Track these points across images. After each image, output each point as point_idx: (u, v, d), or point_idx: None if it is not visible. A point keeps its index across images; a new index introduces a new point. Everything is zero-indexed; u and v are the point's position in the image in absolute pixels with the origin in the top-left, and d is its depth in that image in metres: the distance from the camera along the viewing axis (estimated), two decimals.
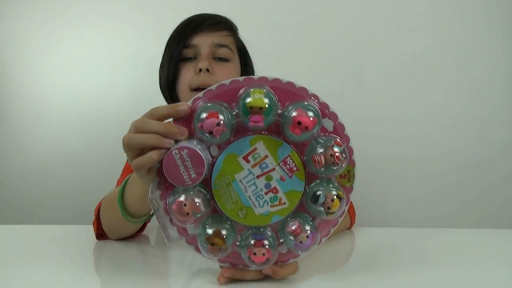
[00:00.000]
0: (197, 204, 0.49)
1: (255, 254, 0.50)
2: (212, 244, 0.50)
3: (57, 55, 1.54)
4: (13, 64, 1.55)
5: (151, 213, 0.71)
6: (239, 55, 0.95)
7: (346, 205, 0.51)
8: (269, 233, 0.51)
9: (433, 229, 0.93)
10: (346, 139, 0.51)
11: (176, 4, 1.47)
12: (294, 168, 0.50)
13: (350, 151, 0.51)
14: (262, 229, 0.52)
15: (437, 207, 1.47)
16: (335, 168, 0.48)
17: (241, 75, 0.93)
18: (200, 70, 0.85)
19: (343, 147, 0.48)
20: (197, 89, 0.85)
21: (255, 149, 0.49)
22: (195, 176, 0.47)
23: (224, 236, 0.50)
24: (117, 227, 0.76)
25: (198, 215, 0.49)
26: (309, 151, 0.49)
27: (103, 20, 1.53)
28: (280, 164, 0.50)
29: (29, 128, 1.54)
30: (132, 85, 1.51)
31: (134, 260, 0.68)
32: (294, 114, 0.47)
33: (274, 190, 0.50)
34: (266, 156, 0.49)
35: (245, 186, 0.50)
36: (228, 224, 0.51)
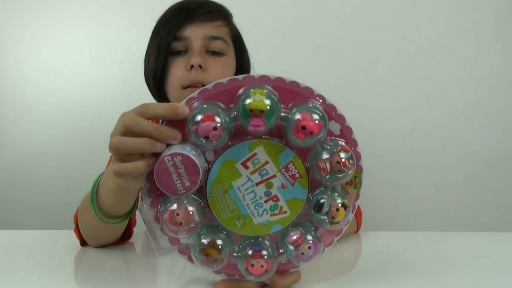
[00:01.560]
0: (191, 213, 0.45)
1: (253, 265, 0.47)
2: (207, 255, 0.46)
3: (39, 48, 1.42)
4: None
5: (127, 212, 0.64)
6: (234, 45, 0.87)
7: (351, 214, 0.48)
8: (268, 243, 0.48)
9: (446, 233, 0.86)
10: (353, 143, 0.47)
11: None
12: (297, 175, 0.46)
13: (358, 156, 0.47)
14: (260, 239, 0.48)
15: (450, 207, 1.40)
16: (341, 175, 0.45)
17: (237, 67, 0.87)
18: (192, 66, 0.78)
19: (350, 152, 0.45)
20: (189, 87, 0.78)
21: (255, 154, 0.45)
22: (189, 184, 0.43)
23: (220, 247, 0.46)
24: (95, 232, 0.70)
25: (192, 225, 0.45)
26: (313, 156, 0.45)
27: (88, 10, 1.41)
28: (282, 171, 0.46)
29: (8, 126, 1.43)
30: (121, 80, 1.40)
31: (119, 270, 0.63)
32: (298, 117, 0.43)
33: (275, 198, 0.46)
34: (267, 162, 0.45)
35: (243, 194, 0.46)
36: (224, 234, 0.47)
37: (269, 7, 1.41)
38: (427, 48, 1.43)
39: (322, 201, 0.46)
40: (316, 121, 0.43)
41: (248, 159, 0.45)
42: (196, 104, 0.45)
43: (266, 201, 0.46)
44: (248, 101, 0.42)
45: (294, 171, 0.46)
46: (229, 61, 0.85)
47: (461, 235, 0.85)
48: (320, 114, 0.43)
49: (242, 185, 0.46)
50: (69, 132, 1.41)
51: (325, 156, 0.44)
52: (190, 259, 0.49)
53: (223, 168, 0.45)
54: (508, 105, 1.43)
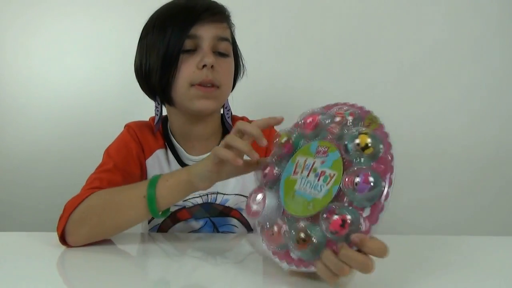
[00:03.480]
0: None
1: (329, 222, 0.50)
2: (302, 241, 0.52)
3: (36, 46, 1.41)
4: None
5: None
6: (233, 46, 0.90)
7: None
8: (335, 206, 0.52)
9: (446, 237, 0.83)
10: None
11: None
12: (326, 149, 0.58)
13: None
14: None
15: (450, 211, 1.41)
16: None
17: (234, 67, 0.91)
18: (204, 65, 0.80)
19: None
20: (199, 85, 0.81)
21: (297, 162, 0.61)
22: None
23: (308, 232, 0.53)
24: (116, 227, 0.73)
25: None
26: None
27: (87, 10, 1.43)
28: (315, 156, 0.59)
29: (4, 125, 1.38)
30: (119, 79, 1.37)
31: (108, 273, 0.61)
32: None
33: (323, 173, 0.56)
34: (305, 160, 0.60)
35: (304, 188, 0.58)
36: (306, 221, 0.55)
37: (273, 20, 1.44)
38: (428, 53, 1.43)
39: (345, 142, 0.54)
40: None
41: (295, 169, 0.61)
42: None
43: (318, 180, 0.56)
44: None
45: (323, 148, 0.58)
46: (232, 62, 0.89)
47: (461, 239, 0.82)
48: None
49: (300, 185, 0.59)
50: (67, 132, 1.42)
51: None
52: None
53: (286, 185, 0.61)
54: (508, 109, 1.44)
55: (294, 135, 0.63)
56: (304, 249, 0.52)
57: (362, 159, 0.52)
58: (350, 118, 0.57)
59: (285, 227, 0.57)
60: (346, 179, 0.51)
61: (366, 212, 0.50)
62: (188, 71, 0.82)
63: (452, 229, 1.40)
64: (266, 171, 0.64)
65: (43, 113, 1.42)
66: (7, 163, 1.42)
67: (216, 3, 0.87)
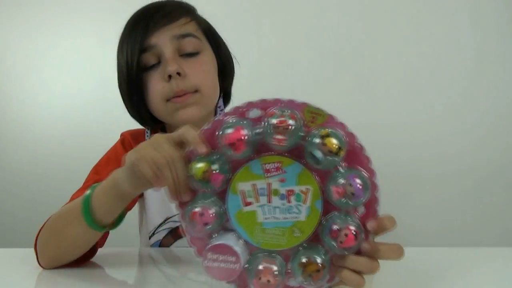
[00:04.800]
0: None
1: (346, 235, 0.47)
2: (311, 272, 0.48)
3: (43, 64, 1.49)
4: None
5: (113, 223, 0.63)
6: (208, 40, 0.81)
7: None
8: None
9: (448, 249, 0.79)
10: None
11: None
12: (278, 165, 0.49)
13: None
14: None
15: (454, 219, 1.38)
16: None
17: (218, 62, 0.83)
18: (170, 76, 0.73)
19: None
20: (175, 97, 0.75)
21: (241, 191, 0.50)
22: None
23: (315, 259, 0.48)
24: (68, 246, 0.65)
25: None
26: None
27: (93, 26, 1.46)
28: (266, 177, 0.49)
29: (12, 140, 1.51)
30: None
31: None
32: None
33: (290, 193, 0.49)
34: (254, 185, 0.50)
35: (273, 216, 0.50)
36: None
37: (276, 27, 1.46)
38: (432, 59, 1.45)
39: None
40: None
41: (243, 200, 0.50)
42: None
43: (288, 201, 0.49)
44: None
45: (274, 165, 0.49)
46: (207, 58, 0.80)
47: (464, 251, 0.79)
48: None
49: (264, 215, 0.49)
50: (73, 147, 1.47)
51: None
52: None
53: (241, 221, 0.50)
54: None
55: (218, 161, 0.48)
56: (319, 278, 0.49)
57: (340, 165, 0.48)
58: (292, 122, 0.48)
59: (275, 267, 0.49)
60: (335, 191, 0.47)
61: (361, 211, 0.50)
62: (156, 88, 0.75)
63: (456, 235, 1.37)
64: (204, 218, 0.49)
65: (50, 130, 1.50)
66: (14, 177, 1.49)
67: (169, 1, 0.79)
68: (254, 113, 0.50)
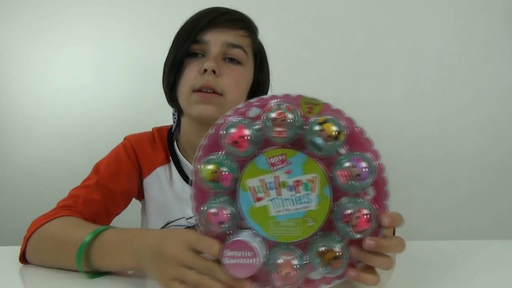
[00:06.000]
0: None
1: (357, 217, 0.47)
2: (329, 260, 0.48)
3: (44, 63, 1.45)
4: None
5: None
6: (254, 59, 0.85)
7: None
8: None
9: (457, 242, 0.82)
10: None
11: (176, 7, 1.29)
12: (283, 157, 0.50)
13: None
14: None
15: (463, 216, 1.38)
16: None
17: (254, 82, 0.86)
18: (205, 70, 0.76)
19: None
20: (199, 91, 0.77)
21: (251, 187, 0.51)
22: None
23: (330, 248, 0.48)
24: (58, 266, 0.65)
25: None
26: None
27: (95, 23, 1.44)
28: (272, 169, 0.50)
29: (14, 140, 1.46)
30: (127, 95, 1.38)
31: None
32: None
33: (298, 183, 0.50)
34: (262, 180, 0.51)
35: (284, 208, 0.50)
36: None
37: (286, 28, 1.46)
38: (439, 57, 1.45)
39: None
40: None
41: (254, 196, 0.51)
42: None
43: (298, 191, 0.50)
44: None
45: (278, 158, 0.50)
46: (245, 72, 0.82)
47: (473, 244, 0.81)
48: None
49: (276, 208, 0.50)
50: (75, 146, 1.42)
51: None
52: None
53: (255, 217, 0.51)
54: None
55: (225, 162, 0.51)
56: (338, 265, 0.48)
57: (343, 149, 0.49)
58: (289, 113, 0.49)
59: (295, 261, 0.49)
60: (340, 175, 0.48)
61: (371, 194, 0.50)
62: (190, 76, 0.78)
63: (466, 235, 1.35)
64: (219, 218, 0.50)
65: (52, 129, 1.45)
66: (16, 178, 1.46)
67: (237, 11, 0.83)
68: (254, 112, 0.52)
